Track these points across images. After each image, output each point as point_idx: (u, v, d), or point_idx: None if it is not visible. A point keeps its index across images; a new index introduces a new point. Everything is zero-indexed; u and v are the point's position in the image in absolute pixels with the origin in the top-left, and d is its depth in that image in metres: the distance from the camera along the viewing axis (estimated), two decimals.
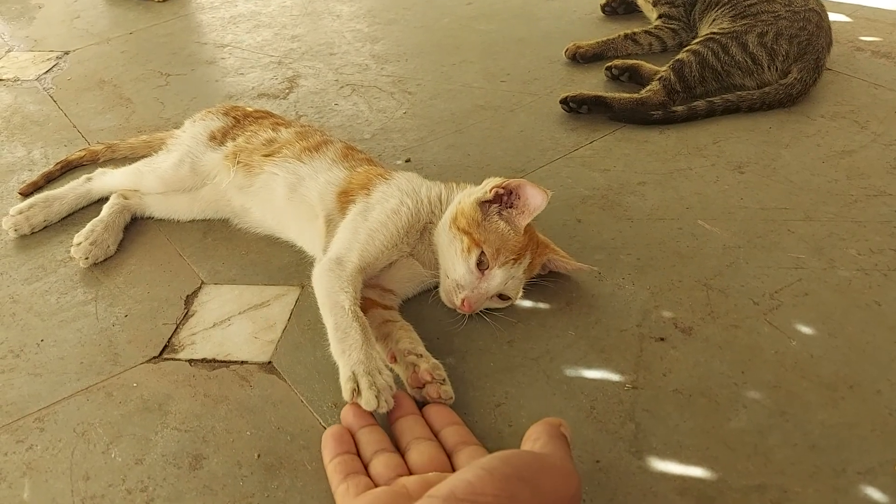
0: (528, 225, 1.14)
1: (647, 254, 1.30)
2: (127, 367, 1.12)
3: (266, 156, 1.35)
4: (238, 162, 1.37)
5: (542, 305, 1.21)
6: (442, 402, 1.00)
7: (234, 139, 1.43)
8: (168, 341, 1.17)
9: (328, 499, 0.89)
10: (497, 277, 1.11)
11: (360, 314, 1.05)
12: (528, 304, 1.21)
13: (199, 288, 1.29)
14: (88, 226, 1.37)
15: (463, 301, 1.11)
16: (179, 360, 1.14)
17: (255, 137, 1.40)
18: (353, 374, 0.96)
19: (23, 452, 1.00)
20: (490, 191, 1.14)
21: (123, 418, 1.04)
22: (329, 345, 1.02)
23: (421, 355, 1.05)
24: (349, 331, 1.01)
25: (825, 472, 0.91)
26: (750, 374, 1.05)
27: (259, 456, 0.97)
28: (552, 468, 0.73)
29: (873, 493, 0.88)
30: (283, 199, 1.31)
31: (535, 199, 1.12)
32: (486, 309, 1.16)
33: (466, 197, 1.17)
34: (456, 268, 1.12)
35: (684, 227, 1.36)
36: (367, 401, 0.93)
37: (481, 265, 1.11)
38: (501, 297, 1.15)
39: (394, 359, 1.06)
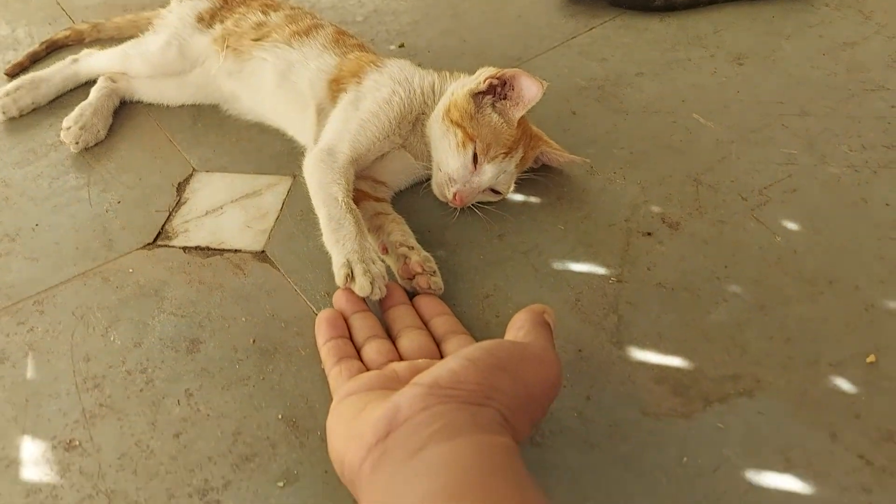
0: (522, 117, 1.13)
1: (640, 148, 1.30)
2: (122, 253, 1.14)
3: (255, 40, 1.31)
4: (227, 46, 1.33)
5: (532, 199, 1.21)
6: (432, 293, 1.02)
7: (222, 21, 1.38)
8: (161, 228, 1.18)
9: (321, 381, 0.93)
10: (489, 172, 1.11)
11: (353, 206, 1.06)
12: (519, 198, 1.21)
13: (191, 175, 1.29)
14: (77, 109, 1.35)
15: (455, 195, 1.12)
16: (174, 247, 1.15)
17: (244, 20, 1.36)
18: (348, 261, 0.97)
19: (24, 334, 1.03)
20: (484, 81, 1.12)
21: (121, 303, 1.06)
22: (321, 236, 1.04)
23: (412, 247, 1.06)
24: (343, 222, 1.02)
25: (798, 363, 0.95)
26: (733, 268, 1.07)
27: (254, 341, 1.00)
28: (533, 358, 0.76)
29: (842, 383, 0.92)
30: (273, 85, 1.28)
31: (529, 90, 1.10)
32: (478, 202, 1.16)
33: (460, 88, 1.15)
34: (448, 161, 1.12)
35: (679, 120, 1.35)
36: (362, 286, 0.95)
37: (474, 159, 1.11)
38: (493, 190, 1.16)
39: (385, 250, 1.08)
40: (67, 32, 1.62)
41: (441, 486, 0.55)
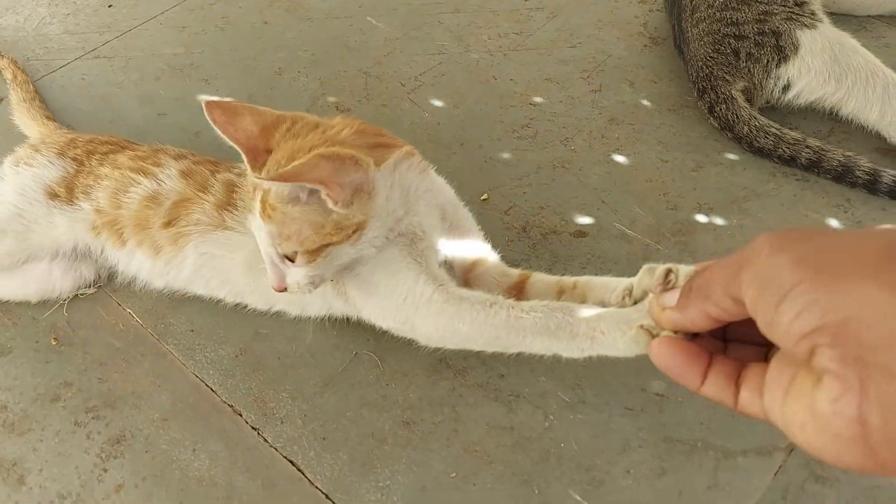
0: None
1: (322, 49, 1.50)
2: None
3: (167, 225, 1.01)
4: (123, 241, 1.03)
5: (226, 99, 1.38)
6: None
7: (87, 194, 1.04)
8: None
9: None
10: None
11: (531, 300, 0.88)
12: (214, 98, 1.38)
13: None
14: None
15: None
16: None
17: (124, 195, 1.02)
18: (629, 333, 0.73)
19: None
20: None
21: None
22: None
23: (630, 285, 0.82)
24: (554, 313, 0.81)
25: None
26: None
27: None
28: None
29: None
30: (242, 270, 1.01)
31: None
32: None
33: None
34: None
35: (355, 23, 1.56)
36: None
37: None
38: (287, 260, 0.86)
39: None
40: None
41: None
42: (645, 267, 0.72)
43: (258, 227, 0.85)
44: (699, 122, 1.34)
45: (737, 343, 0.54)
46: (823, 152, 1.21)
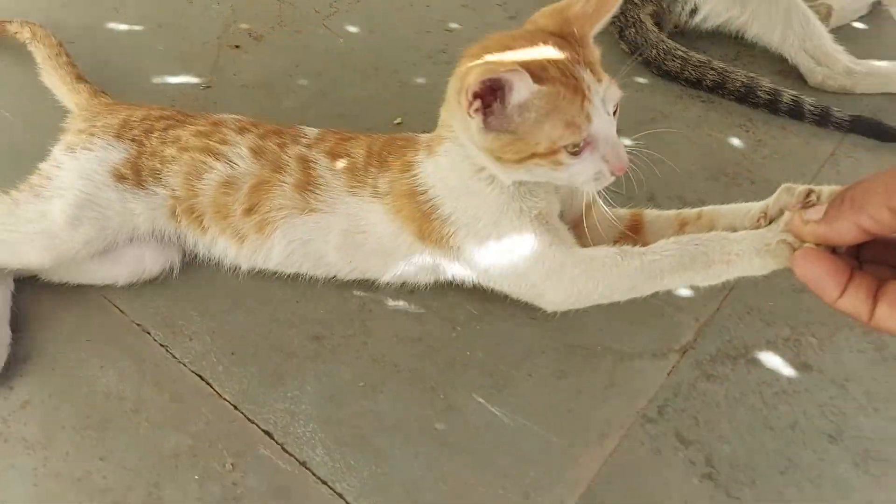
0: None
1: None
2: None
3: (249, 212, 0.96)
4: (203, 228, 0.99)
5: (136, 28, 1.35)
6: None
7: (156, 177, 0.97)
8: None
9: None
10: (604, 121, 0.81)
11: (652, 238, 0.89)
12: (123, 26, 1.35)
13: None
14: None
15: (613, 171, 0.83)
16: None
17: (198, 181, 0.97)
18: (766, 249, 0.75)
19: None
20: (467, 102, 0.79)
21: None
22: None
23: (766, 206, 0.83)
24: (686, 248, 0.81)
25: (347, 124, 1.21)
26: (303, 67, 1.31)
27: None
28: None
29: None
30: (336, 252, 0.98)
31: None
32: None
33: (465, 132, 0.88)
34: (571, 176, 0.84)
35: None
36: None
37: (576, 149, 0.80)
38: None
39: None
40: None
41: None
42: (783, 186, 0.78)
43: (599, 103, 0.80)
44: (610, 47, 1.36)
45: (871, 264, 0.55)
46: (727, 74, 1.25)
